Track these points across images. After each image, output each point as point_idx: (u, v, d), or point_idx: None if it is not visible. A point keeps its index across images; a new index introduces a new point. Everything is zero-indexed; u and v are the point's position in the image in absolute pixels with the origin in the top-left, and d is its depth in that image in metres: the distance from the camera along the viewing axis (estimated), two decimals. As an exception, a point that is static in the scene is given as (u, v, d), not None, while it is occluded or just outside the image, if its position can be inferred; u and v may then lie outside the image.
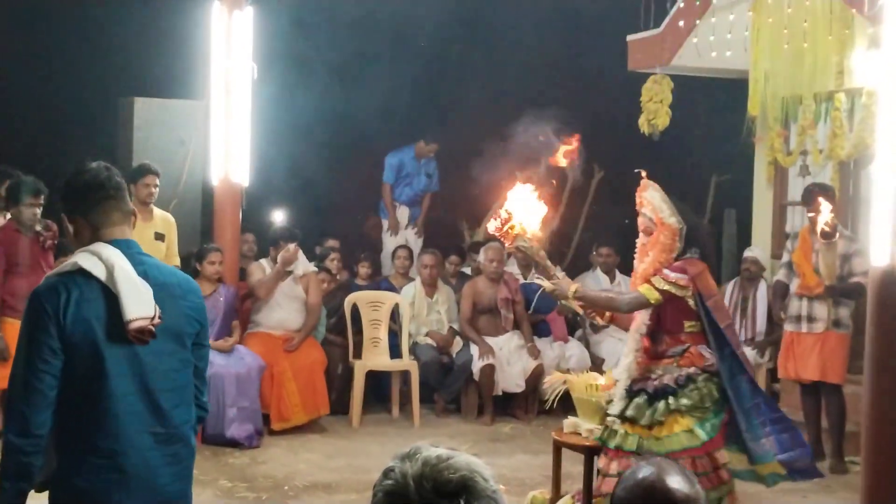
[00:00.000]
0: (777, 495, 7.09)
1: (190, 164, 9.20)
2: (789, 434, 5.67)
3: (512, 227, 5.15)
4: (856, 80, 8.52)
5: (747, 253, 9.54)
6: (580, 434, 6.23)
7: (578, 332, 9.83)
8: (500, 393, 9.14)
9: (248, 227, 9.37)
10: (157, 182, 8.03)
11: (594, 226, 11.70)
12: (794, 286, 8.04)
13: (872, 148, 6.72)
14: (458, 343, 9.37)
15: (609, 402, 5.85)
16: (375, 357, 9.07)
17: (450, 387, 9.23)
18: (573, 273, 10.39)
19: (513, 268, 10.19)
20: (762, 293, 9.32)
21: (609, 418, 5.61)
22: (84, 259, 3.07)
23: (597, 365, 9.06)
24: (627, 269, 10.08)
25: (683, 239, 5.40)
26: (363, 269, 9.83)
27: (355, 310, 9.15)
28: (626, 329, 5.65)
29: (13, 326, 7.16)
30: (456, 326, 9.42)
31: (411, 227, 11.11)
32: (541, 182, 5.41)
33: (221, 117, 8.54)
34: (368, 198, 11.28)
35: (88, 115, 10.14)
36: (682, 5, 9.38)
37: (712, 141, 11.21)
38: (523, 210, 5.23)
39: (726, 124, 10.25)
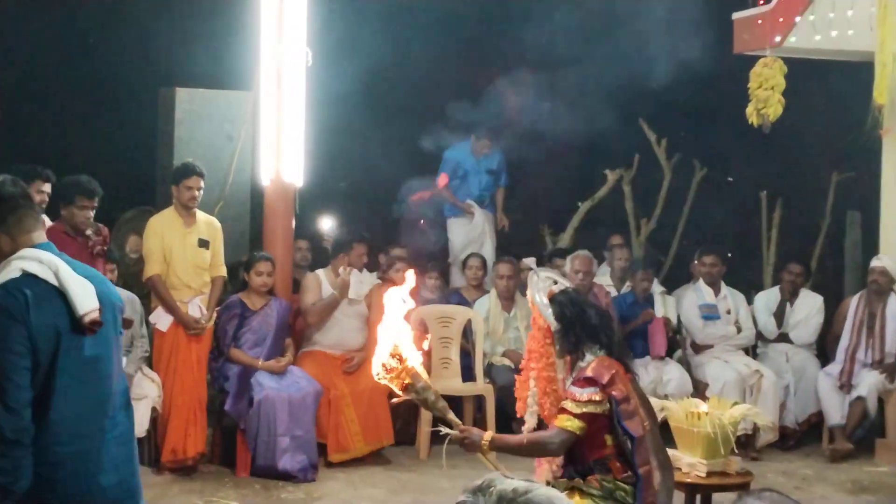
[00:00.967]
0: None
1: (237, 163, 9.32)
2: None
3: (403, 371, 4.71)
4: None
5: (874, 262, 9.40)
6: (680, 469, 6.18)
7: (678, 353, 9.75)
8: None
9: (301, 233, 9.46)
10: (202, 184, 8.15)
11: (696, 231, 11.61)
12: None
13: None
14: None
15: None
16: (446, 380, 9.08)
17: (530, 414, 9.21)
18: (672, 285, 10.35)
19: (604, 279, 10.15)
20: (892, 309, 9.18)
21: None
22: (27, 264, 3.48)
23: (699, 390, 8.99)
24: (734, 281, 10.04)
25: (569, 339, 5.03)
26: (431, 281, 9.86)
27: (423, 327, 9.17)
28: None
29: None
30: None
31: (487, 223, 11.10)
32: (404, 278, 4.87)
33: (272, 110, 8.64)
34: (433, 204, 11.30)
35: (126, 106, 10.32)
36: (796, -23, 9.29)
37: (832, 133, 11.07)
38: (402, 342, 4.67)
39: (849, 114, 10.10)
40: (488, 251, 10.80)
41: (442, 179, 11.02)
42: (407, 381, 4.64)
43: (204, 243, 8.22)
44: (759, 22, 9.54)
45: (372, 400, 8.55)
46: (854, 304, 9.46)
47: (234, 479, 7.97)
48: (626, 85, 11.50)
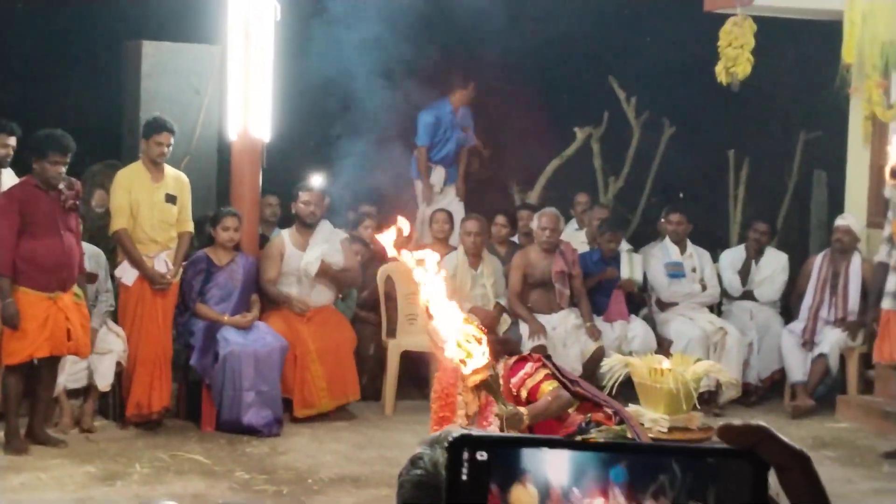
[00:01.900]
0: (870, 496, 7.08)
1: (204, 117, 9.25)
2: None
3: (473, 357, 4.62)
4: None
5: (839, 221, 9.46)
6: (643, 424, 6.23)
7: (643, 311, 9.81)
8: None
9: (269, 188, 9.41)
10: (172, 140, 8.10)
11: (663, 189, 11.64)
12: (894, 261, 7.97)
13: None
14: (505, 321, 9.38)
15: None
16: (411, 336, 9.09)
17: (496, 370, 9.25)
18: (639, 243, 10.39)
19: (578, 235, 10.17)
20: (855, 267, 9.24)
21: None
22: None
23: (663, 347, 9.05)
24: (700, 239, 10.08)
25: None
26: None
27: (389, 283, 9.19)
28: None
29: (26, 296, 7.28)
30: (503, 302, 9.42)
31: (451, 188, 11.06)
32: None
33: (240, 64, 8.58)
34: (408, 158, 11.25)
35: (92, 59, 10.22)
36: (766, -65, 9.28)
37: (800, 93, 11.10)
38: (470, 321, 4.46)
39: (817, 74, 10.13)
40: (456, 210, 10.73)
41: (421, 153, 10.93)
42: (487, 363, 4.57)
43: (171, 199, 8.18)
44: (729, -20, 9.54)
45: (338, 356, 8.57)
46: (818, 263, 9.53)
47: (199, 434, 7.99)
48: (595, 42, 11.49)
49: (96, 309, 7.93)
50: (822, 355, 9.16)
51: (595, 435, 5.14)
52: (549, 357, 6.06)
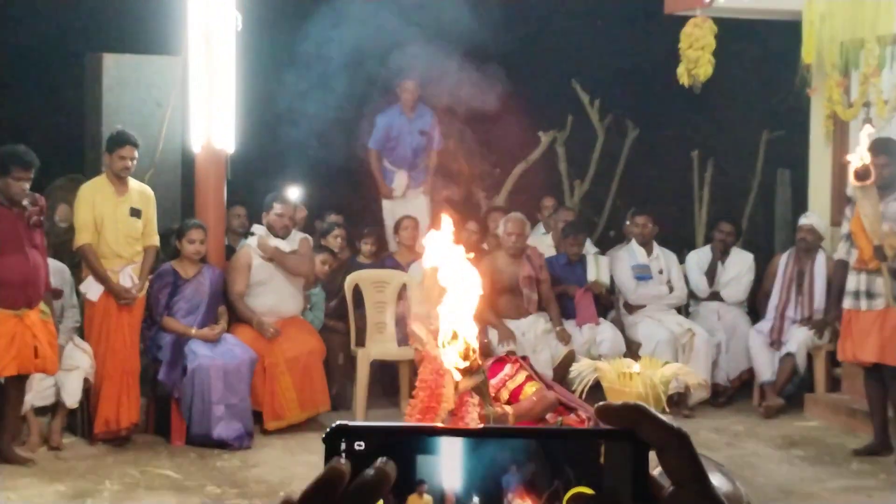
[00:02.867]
0: (839, 494, 7.13)
1: (167, 129, 9.22)
2: None
3: (472, 356, 4.57)
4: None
5: (803, 220, 9.52)
6: (613, 429, 6.24)
7: (611, 314, 9.84)
8: (523, 383, 9.16)
9: (236, 199, 9.39)
10: (136, 154, 8.05)
11: (629, 191, 11.69)
12: (853, 260, 8.03)
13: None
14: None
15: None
16: (381, 344, 9.09)
17: (466, 377, 9.26)
18: (606, 246, 10.43)
19: (545, 239, 10.19)
20: (820, 265, 9.31)
21: None
22: None
23: (632, 350, 9.08)
24: (666, 241, 10.13)
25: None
26: (367, 247, 9.84)
27: (357, 292, 9.18)
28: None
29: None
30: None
31: (417, 191, 10.99)
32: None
33: (202, 75, 8.54)
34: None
35: (53, 73, 10.17)
36: (725, -62, 9.33)
37: (762, 92, 11.18)
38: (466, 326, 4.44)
39: (778, 74, 10.22)
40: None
41: (372, 155, 10.88)
42: (475, 366, 4.57)
43: (136, 212, 8.13)
44: (689, -18, 9.59)
45: (307, 367, 8.55)
46: (783, 262, 9.59)
47: (169, 449, 7.95)
48: (558, 46, 11.52)
49: (62, 325, 7.88)
50: (789, 354, 9.21)
51: None
52: (525, 358, 6.11)
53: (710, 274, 9.95)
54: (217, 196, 8.71)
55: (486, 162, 11.44)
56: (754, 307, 10.00)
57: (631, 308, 9.71)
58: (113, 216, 8.03)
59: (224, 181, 8.72)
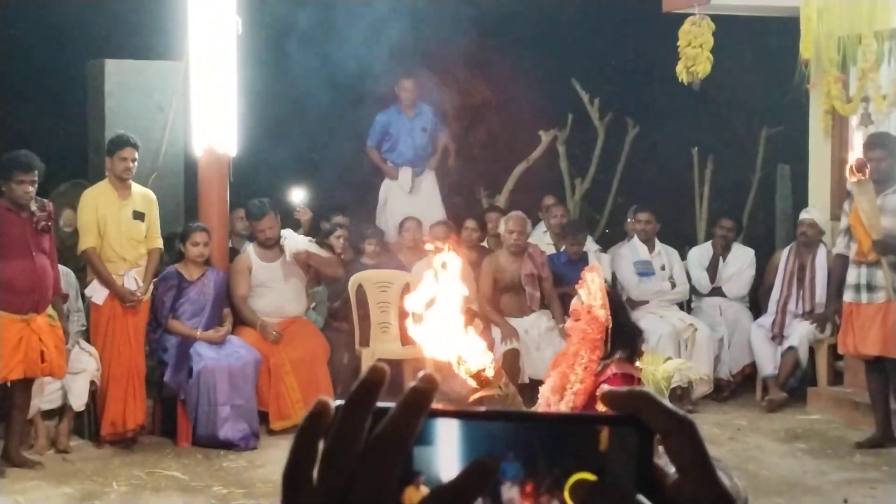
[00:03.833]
0: (843, 486, 7.14)
1: (170, 133, 9.24)
2: None
3: (484, 372, 4.49)
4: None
5: (803, 215, 9.54)
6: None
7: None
8: (527, 381, 9.17)
9: (239, 202, 9.41)
10: (136, 155, 8.09)
11: (630, 188, 11.69)
12: (852, 254, 8.05)
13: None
14: (477, 326, 9.40)
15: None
16: (385, 344, 9.11)
17: (470, 375, 9.26)
18: (608, 243, 10.44)
19: (544, 237, 10.20)
20: (821, 260, 9.32)
21: None
22: None
23: (635, 346, 9.07)
24: (669, 238, 10.14)
25: (611, 338, 5.12)
26: (370, 247, 9.84)
27: (361, 292, 9.19)
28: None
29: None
30: (475, 307, 9.44)
31: (426, 178, 10.93)
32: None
33: (203, 79, 8.56)
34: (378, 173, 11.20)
35: (55, 80, 10.18)
36: (721, -65, 9.34)
37: (761, 89, 11.18)
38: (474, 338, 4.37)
39: (776, 70, 10.21)
40: (438, 216, 10.61)
41: (371, 152, 10.89)
42: (493, 377, 4.49)
43: (139, 216, 8.16)
44: (687, -20, 9.59)
45: (312, 366, 8.57)
46: (784, 257, 9.60)
47: (176, 450, 7.97)
48: (557, 45, 11.54)
49: (68, 329, 7.91)
50: (791, 348, 9.22)
51: None
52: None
53: (712, 270, 9.97)
54: (220, 199, 8.73)
55: (487, 160, 11.47)
56: (756, 302, 10.01)
57: (633, 304, 9.71)
58: (116, 220, 8.06)
59: (227, 184, 8.74)
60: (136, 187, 8.21)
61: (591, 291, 4.97)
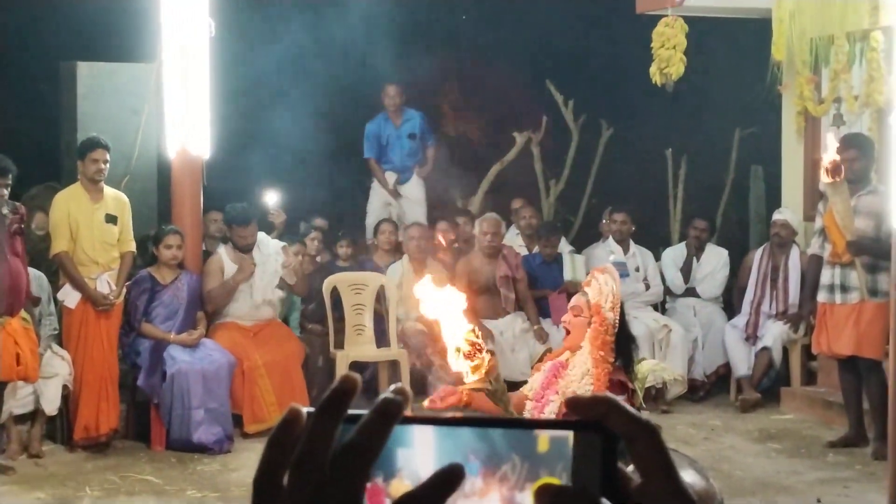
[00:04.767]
0: (816, 486, 7.16)
1: (143, 136, 9.19)
2: None
3: (482, 360, 4.43)
4: (893, 17, 8.51)
5: (776, 216, 9.56)
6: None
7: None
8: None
9: (213, 204, 9.36)
10: (108, 157, 8.04)
11: (604, 190, 11.71)
12: (826, 254, 8.07)
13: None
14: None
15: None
16: (360, 346, 9.09)
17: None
18: (581, 245, 10.45)
19: (516, 239, 10.20)
20: (794, 260, 9.35)
21: None
22: None
23: (611, 348, 9.08)
24: (643, 239, 10.15)
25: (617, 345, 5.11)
26: (342, 249, 9.82)
27: (336, 294, 9.17)
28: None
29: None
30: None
31: (411, 182, 10.97)
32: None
33: (176, 82, 8.51)
34: (354, 168, 11.19)
35: (27, 82, 10.13)
36: (694, -63, 9.36)
37: (734, 90, 11.21)
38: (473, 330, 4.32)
39: (749, 71, 10.24)
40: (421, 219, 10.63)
41: (371, 164, 10.91)
42: (486, 371, 4.45)
43: (112, 219, 8.11)
44: (660, -18, 9.61)
45: (286, 369, 8.54)
46: (758, 257, 9.62)
47: (149, 454, 7.92)
48: (532, 47, 11.54)
49: (40, 333, 7.85)
50: (765, 349, 9.25)
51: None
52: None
53: (686, 270, 9.98)
54: (193, 202, 8.68)
55: (462, 162, 11.47)
56: (730, 302, 10.03)
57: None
58: (88, 223, 8.01)
59: (200, 187, 8.69)
60: (108, 190, 8.16)
61: (602, 292, 4.94)
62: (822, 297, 8.06)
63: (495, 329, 9.21)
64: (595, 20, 11.25)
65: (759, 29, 9.73)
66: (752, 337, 9.39)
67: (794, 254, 9.38)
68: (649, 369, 6.78)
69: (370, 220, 10.81)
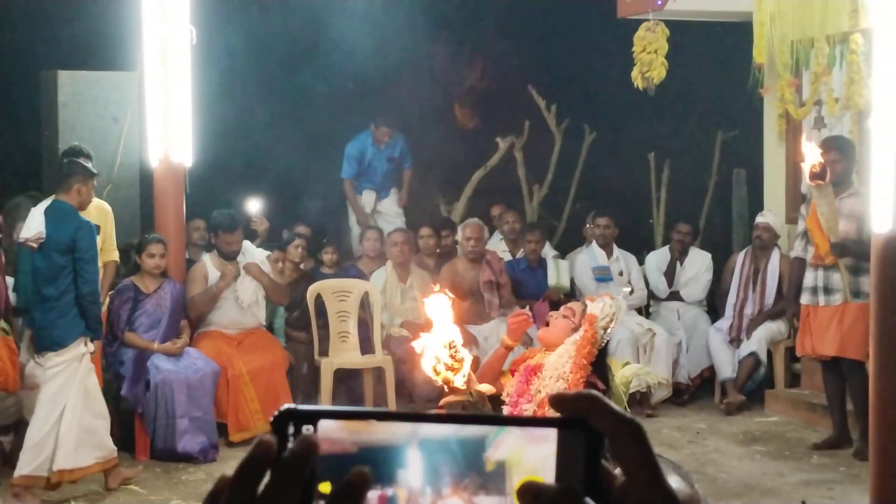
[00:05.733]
0: (801, 488, 7.18)
1: (125, 144, 9.16)
2: None
3: (463, 375, 4.43)
4: (873, 20, 8.54)
5: (759, 219, 9.60)
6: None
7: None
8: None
9: (196, 212, 9.35)
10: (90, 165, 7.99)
11: (588, 194, 11.73)
12: (809, 257, 8.11)
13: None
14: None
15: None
16: (344, 353, 9.09)
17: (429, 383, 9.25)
18: (565, 249, 10.46)
19: (500, 245, 10.22)
20: (774, 264, 9.39)
21: None
22: None
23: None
24: (627, 243, 10.17)
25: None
26: (327, 256, 9.83)
27: (320, 301, 9.16)
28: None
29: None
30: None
31: (389, 201, 11.05)
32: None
33: (158, 89, 8.50)
34: (337, 175, 11.18)
35: (8, 91, 10.09)
36: (674, -59, 9.39)
37: (716, 94, 11.25)
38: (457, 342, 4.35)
39: (731, 75, 10.28)
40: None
41: (346, 186, 10.95)
42: (466, 383, 4.44)
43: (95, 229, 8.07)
44: (641, -14, 9.64)
45: (271, 377, 8.53)
46: (740, 260, 9.66)
47: (134, 464, 7.90)
48: (513, 52, 11.55)
49: (23, 343, 7.80)
50: (751, 353, 9.27)
51: None
52: None
53: (669, 274, 10.01)
54: (176, 210, 8.66)
55: (445, 167, 11.49)
56: (713, 305, 10.06)
57: (591, 310, 9.73)
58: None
59: (183, 195, 8.68)
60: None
61: (603, 311, 4.92)
62: (805, 299, 8.09)
63: (479, 334, 9.21)
64: (577, 25, 11.26)
65: (740, 32, 9.77)
66: (735, 340, 9.42)
67: (775, 257, 9.42)
68: (634, 373, 6.83)
69: (356, 232, 10.84)
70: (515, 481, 0.86)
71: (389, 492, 0.86)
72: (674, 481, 2.36)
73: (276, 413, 0.90)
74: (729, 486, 7.28)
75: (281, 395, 8.54)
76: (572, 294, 9.85)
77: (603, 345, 4.93)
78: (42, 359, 7.26)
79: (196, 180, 8.84)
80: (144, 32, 8.50)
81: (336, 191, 11.05)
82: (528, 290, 9.67)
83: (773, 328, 9.34)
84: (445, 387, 4.40)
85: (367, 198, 11.00)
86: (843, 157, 7.83)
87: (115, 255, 8.24)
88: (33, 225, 7.15)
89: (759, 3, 9.31)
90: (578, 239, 10.70)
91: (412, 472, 0.87)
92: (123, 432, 8.18)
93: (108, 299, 8.13)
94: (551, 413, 0.88)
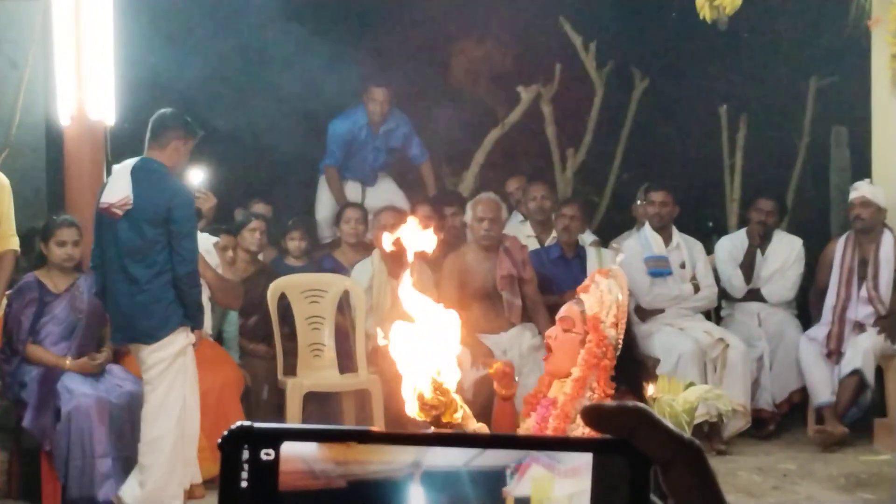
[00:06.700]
0: None
1: (25, 96, 9.20)
2: None
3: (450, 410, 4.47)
4: None
5: (853, 194, 9.58)
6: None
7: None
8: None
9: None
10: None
11: (639, 161, 11.73)
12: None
13: None
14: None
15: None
16: (318, 372, 9.10)
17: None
18: (609, 233, 10.46)
19: (523, 228, 10.23)
20: (887, 251, 9.36)
21: None
22: None
23: (647, 367, 9.11)
24: (691, 226, 10.16)
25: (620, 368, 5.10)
26: (293, 243, 9.83)
27: (285, 303, 9.17)
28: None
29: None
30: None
31: (386, 179, 11.14)
32: None
33: (69, 24, 8.51)
34: (306, 140, 11.20)
35: None
36: None
37: (808, 28, 11.24)
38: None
39: (828, 3, 10.27)
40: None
41: (330, 174, 10.98)
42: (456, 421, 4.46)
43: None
44: None
45: (220, 403, 8.52)
46: (840, 249, 9.63)
47: (40, 518, 7.93)
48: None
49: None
50: (855, 371, 9.26)
51: None
52: None
53: (747, 267, 10.01)
54: (94, 183, 8.66)
55: (451, 127, 11.48)
56: (805, 308, 10.06)
57: (644, 314, 9.74)
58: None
59: (103, 164, 8.70)
60: (-21, 169, 8.17)
61: (602, 302, 4.89)
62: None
63: (496, 347, 9.22)
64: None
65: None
66: (835, 353, 9.41)
67: (887, 241, 9.38)
68: (700, 397, 6.81)
69: (323, 214, 10.84)
70: None
71: None
72: None
73: (225, 433, 0.90)
74: (826, 545, 7.28)
75: (232, 422, 8.52)
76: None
77: (621, 347, 4.87)
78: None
79: (119, 144, 8.84)
80: (51, -52, 8.53)
81: (307, 158, 11.06)
82: (561, 287, 9.64)
83: (882, 339, 9.33)
84: (432, 427, 4.40)
85: (351, 191, 10.98)
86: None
87: (14, 243, 8.23)
88: (117, 188, 7.21)
89: None
90: (626, 220, 10.71)
91: None
92: (25, 477, 8.20)
93: (4, 300, 8.15)
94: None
